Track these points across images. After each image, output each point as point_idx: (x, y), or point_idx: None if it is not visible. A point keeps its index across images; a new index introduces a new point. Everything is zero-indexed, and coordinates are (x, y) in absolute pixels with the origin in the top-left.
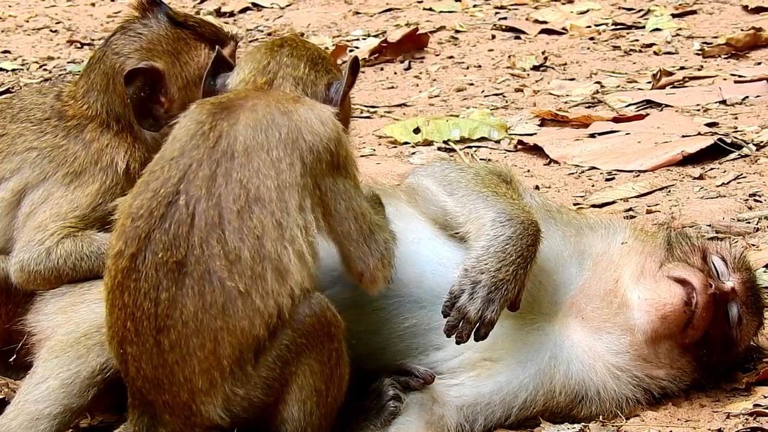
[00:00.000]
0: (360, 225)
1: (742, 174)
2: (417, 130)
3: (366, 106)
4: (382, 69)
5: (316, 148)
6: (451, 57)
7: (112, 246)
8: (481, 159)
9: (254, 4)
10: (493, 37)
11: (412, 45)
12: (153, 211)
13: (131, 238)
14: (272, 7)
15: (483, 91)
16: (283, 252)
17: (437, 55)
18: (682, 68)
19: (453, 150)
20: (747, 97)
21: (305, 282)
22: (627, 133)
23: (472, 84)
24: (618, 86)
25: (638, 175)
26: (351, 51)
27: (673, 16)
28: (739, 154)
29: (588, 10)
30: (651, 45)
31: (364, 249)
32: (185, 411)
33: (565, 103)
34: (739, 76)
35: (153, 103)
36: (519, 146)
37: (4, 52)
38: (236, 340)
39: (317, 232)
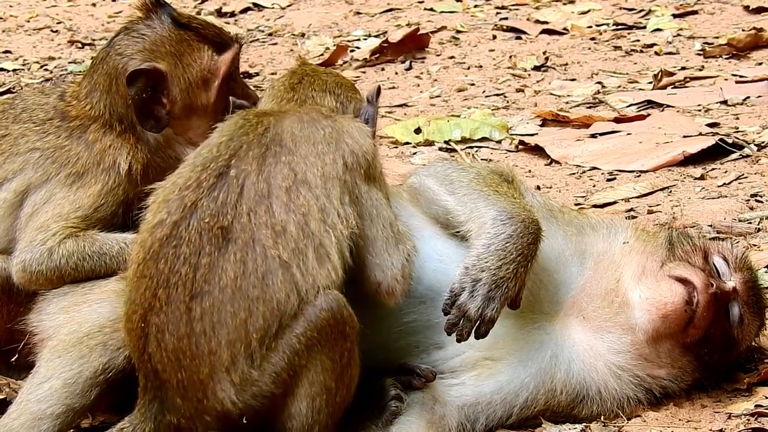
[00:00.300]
0: (387, 233)
1: (743, 174)
2: (418, 131)
3: None
4: (383, 69)
5: (356, 153)
6: (452, 57)
7: (148, 221)
8: (482, 159)
9: (255, 5)
10: (494, 37)
11: (413, 45)
12: (202, 182)
13: (177, 207)
14: (273, 8)
15: (484, 92)
16: (325, 235)
17: (438, 56)
18: (683, 68)
19: (454, 150)
20: (748, 97)
21: (340, 270)
22: (628, 134)
23: (473, 84)
24: (619, 86)
25: (639, 176)
26: (352, 51)
27: (674, 16)
28: (740, 155)
29: (589, 11)
30: (652, 45)
31: (385, 257)
32: (199, 392)
33: (566, 103)
34: (741, 77)
35: (155, 104)
36: (520, 146)
37: (5, 52)
38: (269, 312)
39: (354, 228)
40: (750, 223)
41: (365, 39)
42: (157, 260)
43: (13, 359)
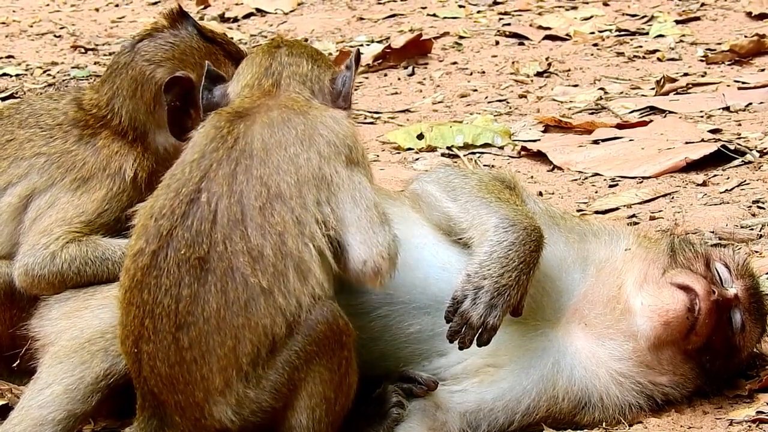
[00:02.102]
0: (372, 213)
1: (745, 181)
2: (420, 136)
3: (369, 112)
4: (385, 75)
5: (333, 143)
6: (454, 63)
7: (131, 246)
8: (484, 165)
9: (258, 10)
10: (497, 43)
11: (416, 51)
12: (175, 209)
13: (153, 236)
14: (276, 13)
15: (486, 97)
16: (304, 249)
17: (441, 61)
18: (685, 75)
19: (456, 156)
20: (750, 103)
21: (325, 282)
22: (630, 140)
23: (475, 90)
24: (621, 92)
25: (642, 182)
26: None
27: (677, 22)
28: (742, 161)
29: (592, 17)
30: (654, 51)
31: (370, 234)
32: (196, 412)
33: (569, 109)
34: (743, 83)
35: (183, 112)
36: (522, 152)
37: (8, 57)
38: (257, 338)
39: (335, 225)
40: (752, 229)
41: (368, 44)
42: (141, 290)
43: (15, 364)
